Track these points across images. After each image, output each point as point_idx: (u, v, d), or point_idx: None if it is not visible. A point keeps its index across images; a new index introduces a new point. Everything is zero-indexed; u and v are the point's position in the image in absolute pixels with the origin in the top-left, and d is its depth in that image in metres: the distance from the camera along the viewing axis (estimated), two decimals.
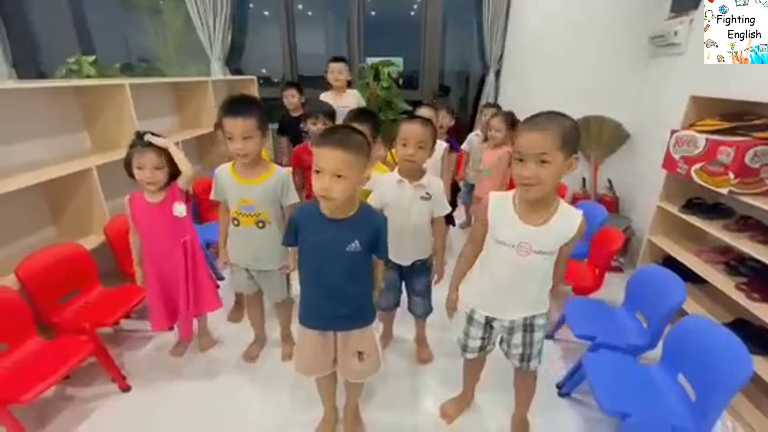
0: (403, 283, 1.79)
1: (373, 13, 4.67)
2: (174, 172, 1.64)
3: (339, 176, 1.05)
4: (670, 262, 2.07)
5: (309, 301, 1.28)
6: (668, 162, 2.00)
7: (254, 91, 3.92)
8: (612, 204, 2.86)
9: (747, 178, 1.61)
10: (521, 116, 2.50)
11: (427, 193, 1.56)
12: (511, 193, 1.21)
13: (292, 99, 3.14)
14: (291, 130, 3.07)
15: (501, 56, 4.05)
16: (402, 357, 1.94)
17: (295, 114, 3.15)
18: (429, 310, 1.81)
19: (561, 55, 3.02)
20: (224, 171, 1.61)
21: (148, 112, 2.31)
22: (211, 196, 1.66)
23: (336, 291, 1.22)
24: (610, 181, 3.00)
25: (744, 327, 1.65)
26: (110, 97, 2.26)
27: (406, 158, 1.50)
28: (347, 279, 1.21)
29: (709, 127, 1.82)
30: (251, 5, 4.45)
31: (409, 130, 1.50)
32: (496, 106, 3.11)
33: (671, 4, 2.51)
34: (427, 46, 4.41)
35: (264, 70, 4.87)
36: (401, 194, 1.56)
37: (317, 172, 1.07)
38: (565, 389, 1.73)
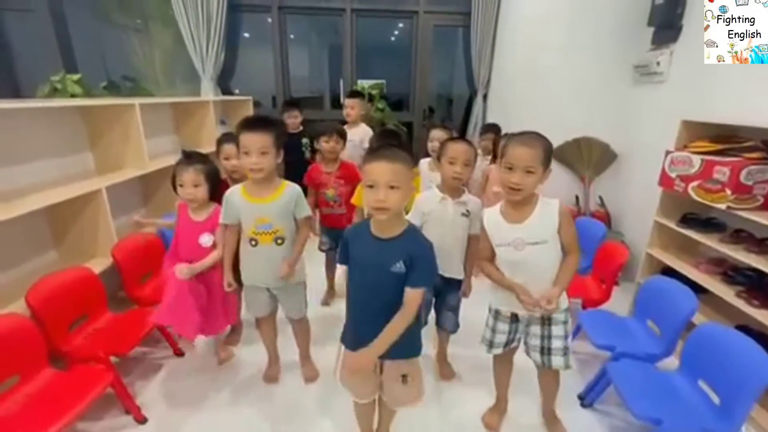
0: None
1: None
2: (213, 190, 1.75)
3: (392, 187, 1.09)
4: (667, 274, 2.20)
5: (355, 323, 1.27)
6: (665, 180, 2.15)
7: (250, 111, 3.92)
8: (605, 219, 3.02)
9: (742, 194, 1.76)
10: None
11: (467, 210, 1.64)
12: (497, 206, 1.43)
13: (294, 120, 3.18)
14: (290, 146, 3.10)
15: (488, 80, 4.25)
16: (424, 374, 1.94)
17: (293, 132, 3.20)
18: (458, 325, 1.84)
19: (549, 80, 3.22)
20: (235, 194, 1.60)
21: (147, 131, 2.27)
22: (221, 220, 1.64)
23: (380, 315, 1.18)
24: (601, 198, 3.17)
25: (747, 333, 1.77)
26: (117, 117, 2.21)
27: (454, 176, 1.59)
28: (392, 302, 1.17)
29: (702, 149, 1.98)
30: (244, 29, 4.48)
31: (457, 149, 1.59)
32: (496, 126, 3.25)
33: (652, 37, 2.75)
34: (418, 69, 4.57)
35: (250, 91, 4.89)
36: (444, 210, 1.63)
37: (370, 186, 1.10)
38: (587, 400, 1.78)
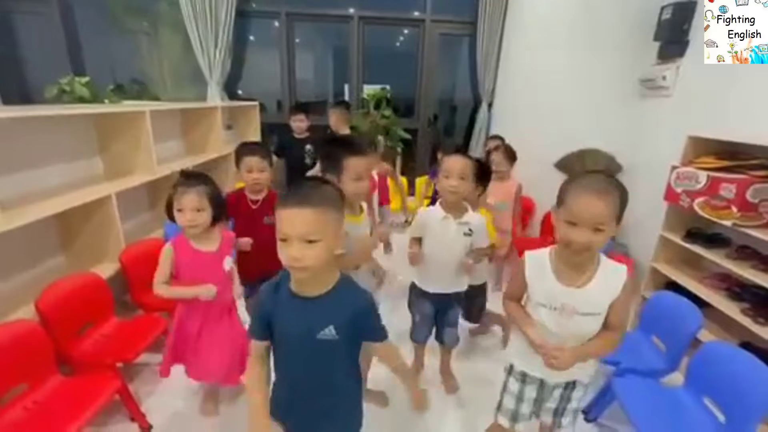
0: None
1: None
2: (217, 215, 1.53)
3: (311, 241, 0.84)
4: (671, 288, 2.21)
5: (279, 396, 1.04)
6: (670, 194, 2.16)
7: (257, 116, 3.95)
8: None
9: (748, 212, 1.77)
10: (514, 146, 2.65)
11: (470, 230, 1.61)
12: (546, 251, 1.15)
13: (300, 123, 3.21)
14: (293, 151, 3.18)
15: (493, 89, 4.27)
16: (428, 387, 1.93)
17: (299, 136, 3.23)
18: (458, 339, 1.87)
19: (554, 91, 3.24)
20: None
21: (155, 137, 2.29)
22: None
23: (315, 395, 1.00)
24: None
25: (751, 350, 1.77)
26: (128, 123, 2.23)
27: (450, 189, 1.54)
28: (319, 379, 0.98)
29: (708, 165, 1.99)
30: (250, 33, 4.52)
31: (451, 162, 1.56)
32: (500, 138, 3.27)
33: (658, 51, 2.77)
34: (424, 77, 4.60)
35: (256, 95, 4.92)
36: (446, 231, 1.60)
37: (282, 240, 0.86)
38: (592, 414, 1.78)
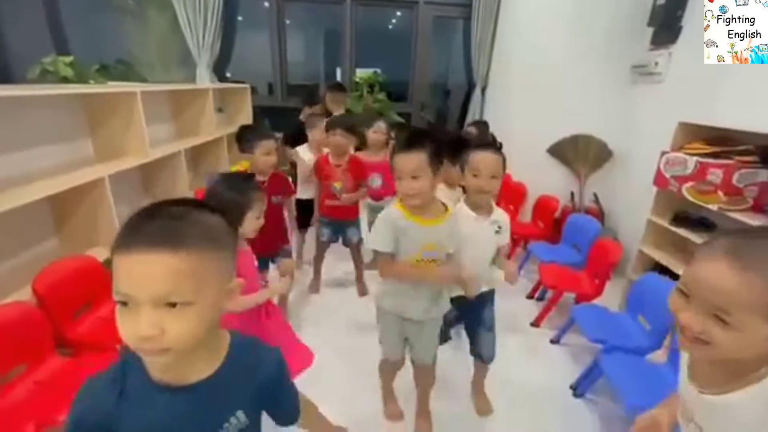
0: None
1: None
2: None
3: (173, 305, 0.54)
4: (658, 271, 2.28)
5: None
6: (659, 179, 2.21)
7: (248, 99, 3.89)
8: (598, 216, 3.09)
9: (734, 196, 1.83)
10: (506, 133, 2.69)
11: (499, 227, 1.52)
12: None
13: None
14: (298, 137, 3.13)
15: (487, 73, 4.26)
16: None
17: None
18: (495, 351, 1.65)
19: (548, 76, 3.25)
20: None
21: (146, 119, 2.24)
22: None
23: None
24: (596, 195, 3.24)
25: None
26: (118, 104, 2.18)
27: (480, 190, 1.43)
28: None
29: (697, 150, 2.04)
30: (239, 14, 4.41)
31: (481, 160, 1.41)
32: (484, 123, 3.31)
33: (651, 37, 2.79)
34: (418, 61, 4.56)
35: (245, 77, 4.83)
36: (479, 230, 1.48)
37: (122, 304, 0.54)
38: (579, 390, 1.86)
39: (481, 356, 1.65)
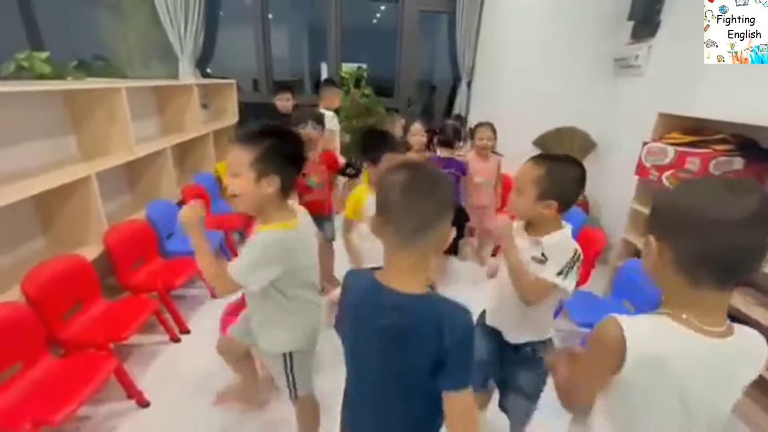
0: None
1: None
2: None
3: None
4: (640, 257, 2.37)
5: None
6: (641, 169, 2.29)
7: (234, 94, 3.84)
8: (583, 206, 3.17)
9: None
10: (498, 127, 2.74)
11: (543, 255, 1.12)
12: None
13: (286, 103, 3.15)
14: None
15: (473, 67, 4.30)
16: None
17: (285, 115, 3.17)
18: (529, 417, 1.28)
19: (533, 69, 3.32)
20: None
21: (130, 115, 2.20)
22: None
23: None
24: None
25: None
26: (102, 100, 2.13)
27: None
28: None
29: (675, 140, 2.12)
30: (221, 7, 4.33)
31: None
32: (461, 118, 3.38)
33: (632, 31, 2.86)
34: (404, 56, 4.57)
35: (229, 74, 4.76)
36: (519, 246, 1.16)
37: None
38: None
39: (509, 415, 1.32)
